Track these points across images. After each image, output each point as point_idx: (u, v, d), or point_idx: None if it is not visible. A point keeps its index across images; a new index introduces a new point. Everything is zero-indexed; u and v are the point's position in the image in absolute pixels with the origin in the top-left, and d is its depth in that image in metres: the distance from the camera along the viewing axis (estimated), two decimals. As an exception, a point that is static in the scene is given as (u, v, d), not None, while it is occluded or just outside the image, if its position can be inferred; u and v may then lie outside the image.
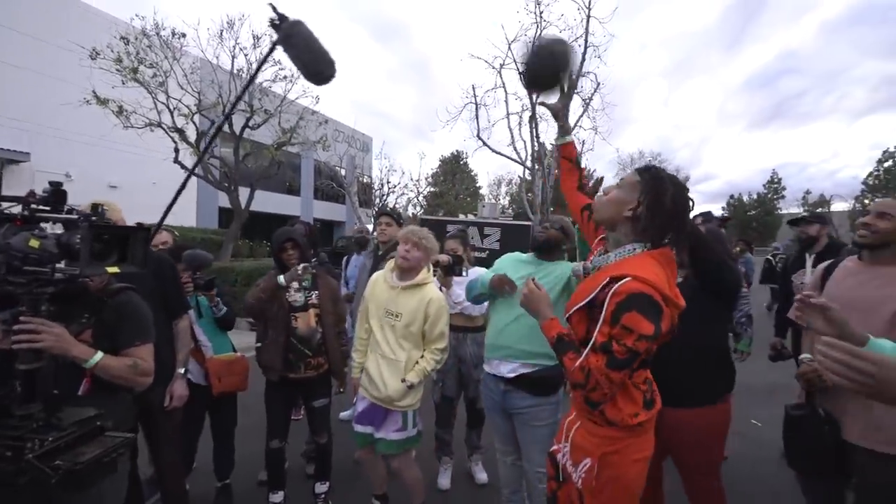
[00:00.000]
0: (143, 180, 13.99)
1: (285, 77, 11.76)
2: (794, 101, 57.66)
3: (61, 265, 1.28)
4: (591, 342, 1.32)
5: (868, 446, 1.64)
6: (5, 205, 1.36)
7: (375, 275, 2.50)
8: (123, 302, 1.61)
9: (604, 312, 1.30)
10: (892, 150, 35.75)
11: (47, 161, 11.88)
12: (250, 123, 11.46)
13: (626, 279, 1.28)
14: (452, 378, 2.98)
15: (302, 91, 12.30)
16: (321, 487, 2.72)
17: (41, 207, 1.35)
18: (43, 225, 1.35)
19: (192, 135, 11.11)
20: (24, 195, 1.36)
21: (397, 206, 20.76)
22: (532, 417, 2.11)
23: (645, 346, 1.26)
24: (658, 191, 1.36)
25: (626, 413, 1.38)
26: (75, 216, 1.30)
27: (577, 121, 11.46)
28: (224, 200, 12.75)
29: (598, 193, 1.55)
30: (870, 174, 36.87)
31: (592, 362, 1.30)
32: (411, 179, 20.68)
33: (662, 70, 63.01)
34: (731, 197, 42.98)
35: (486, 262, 2.43)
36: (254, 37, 11.38)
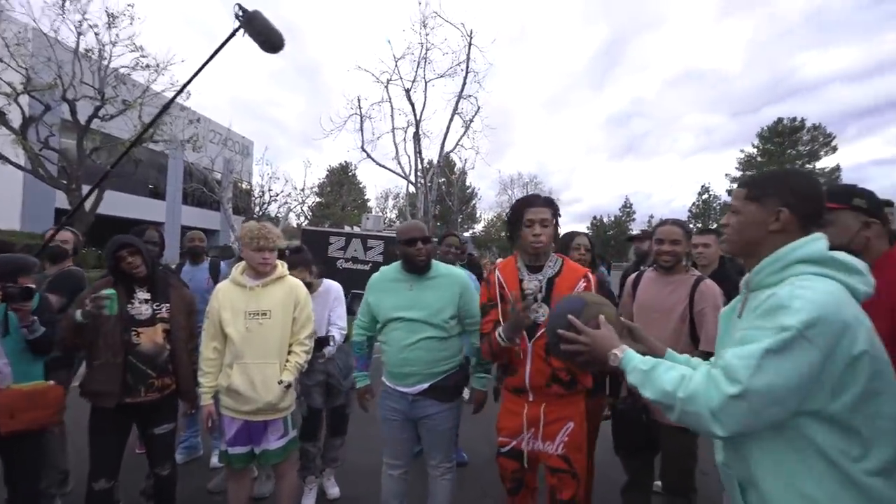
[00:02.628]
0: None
1: (148, 66, 10.54)
2: (642, 139, 68.24)
3: None
4: None
5: (665, 422, 2.09)
6: None
7: (220, 286, 2.36)
8: None
9: None
10: (707, 185, 44.19)
11: None
12: (101, 113, 10.01)
13: (590, 274, 1.94)
14: (319, 390, 2.93)
15: (169, 83, 11.13)
16: (164, 527, 2.41)
17: None
18: None
19: (15, 119, 9.31)
20: None
21: (279, 215, 19.64)
22: (440, 421, 2.22)
23: None
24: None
25: (588, 378, 1.92)
26: None
27: (459, 140, 12.10)
28: (63, 201, 10.86)
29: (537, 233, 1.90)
30: (693, 203, 44.99)
31: None
32: (295, 188, 19.73)
33: (541, 101, 69.60)
34: (594, 218, 49.02)
35: (370, 275, 2.43)
36: (109, 15, 10.01)
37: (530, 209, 1.91)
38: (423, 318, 2.18)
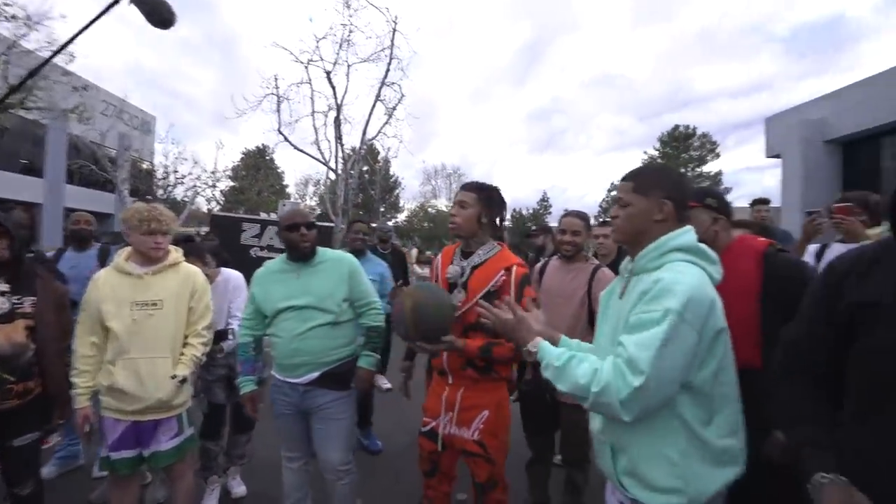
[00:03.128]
0: None
1: (15, 17, 8.99)
2: (560, 136, 72.04)
3: None
4: None
5: (565, 401, 2.27)
6: None
7: (98, 274, 2.13)
8: None
9: (511, 294, 1.77)
10: (615, 182, 47.99)
11: None
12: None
13: (516, 267, 1.85)
14: (221, 385, 2.76)
15: (45, 41, 9.61)
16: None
17: None
18: None
19: None
20: None
21: (185, 199, 18.00)
22: (334, 412, 2.15)
23: None
24: None
25: (510, 368, 1.95)
26: None
27: (382, 128, 11.89)
28: None
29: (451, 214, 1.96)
30: (603, 199, 48.53)
31: None
32: (205, 171, 18.12)
33: (466, 93, 70.42)
34: (514, 210, 51.05)
35: None
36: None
37: (458, 192, 1.97)
38: (313, 303, 2.11)
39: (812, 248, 2.50)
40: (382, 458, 3.47)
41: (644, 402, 1.04)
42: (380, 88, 11.15)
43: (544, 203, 43.12)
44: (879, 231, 2.39)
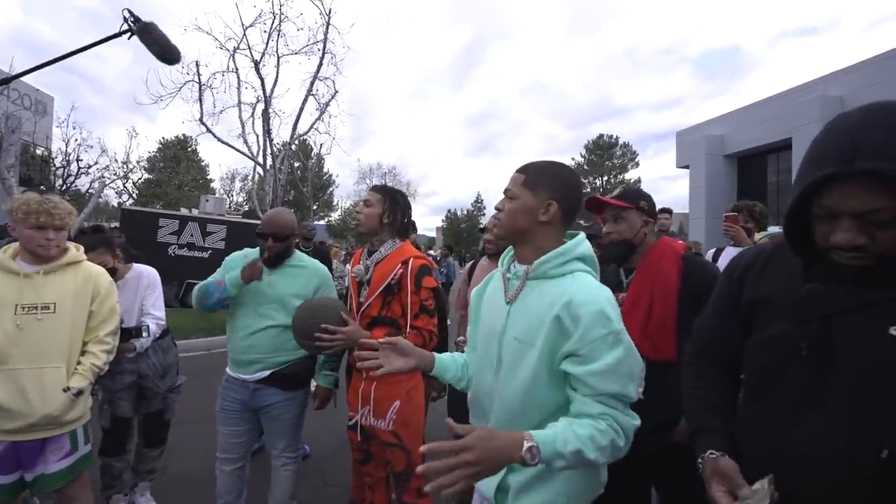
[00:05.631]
0: None
1: None
2: (496, 139, 73.78)
3: None
4: (410, 311, 1.92)
5: None
6: None
7: None
8: None
9: (408, 285, 1.90)
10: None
11: None
12: None
13: (414, 259, 1.94)
14: (127, 395, 2.55)
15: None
16: None
17: None
18: None
19: None
20: None
21: (91, 191, 16.21)
22: (282, 411, 2.20)
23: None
24: None
25: None
26: None
27: (314, 123, 11.48)
28: None
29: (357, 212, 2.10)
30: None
31: (423, 323, 1.90)
32: (115, 161, 16.42)
33: (403, 93, 69.97)
34: (449, 211, 51.66)
35: (209, 263, 2.23)
36: None
37: (368, 192, 2.09)
38: (274, 301, 2.16)
39: (710, 251, 2.79)
40: (311, 461, 3.38)
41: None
42: (312, 83, 10.77)
43: (478, 204, 44.10)
44: (760, 237, 2.73)
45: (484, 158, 74.60)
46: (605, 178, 38.32)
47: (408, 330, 1.91)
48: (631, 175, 38.33)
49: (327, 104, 11.39)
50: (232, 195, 31.10)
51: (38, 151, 17.80)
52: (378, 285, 1.95)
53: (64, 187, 15.10)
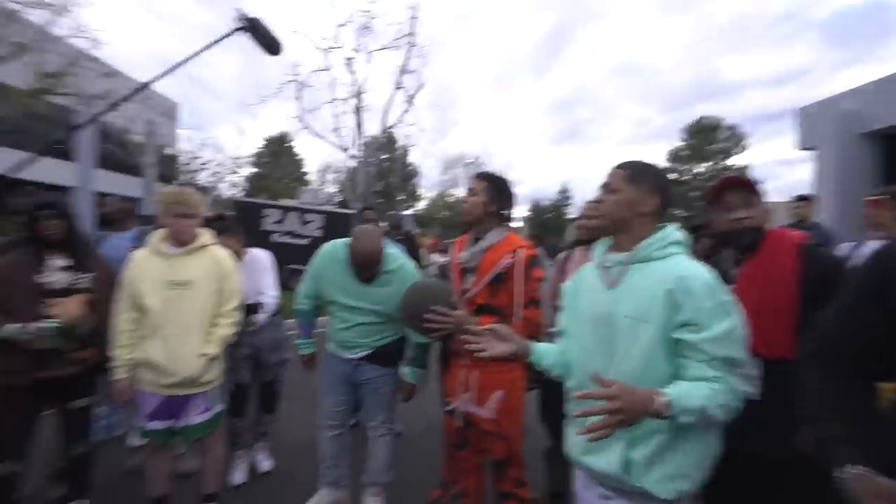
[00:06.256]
0: None
1: (46, 3, 9.15)
2: (582, 125, 70.55)
3: None
4: (520, 301, 1.90)
5: None
6: None
7: (137, 254, 2.22)
8: None
9: (518, 275, 1.89)
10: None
11: None
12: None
13: (522, 250, 1.92)
14: (247, 366, 2.86)
15: (76, 28, 9.82)
16: (78, 509, 2.25)
17: None
18: None
19: None
20: None
21: (208, 184, 18.33)
22: (380, 385, 2.40)
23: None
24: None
25: None
26: None
27: (401, 116, 11.84)
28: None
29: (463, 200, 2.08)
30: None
31: (532, 314, 1.90)
32: (228, 157, 18.39)
33: (487, 81, 69.33)
34: (534, 201, 50.64)
35: (308, 250, 2.47)
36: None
37: (470, 180, 2.09)
38: (366, 307, 2.31)
39: (847, 245, 2.47)
40: (403, 440, 3.53)
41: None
42: (399, 76, 11.12)
43: (564, 194, 42.52)
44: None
45: (569, 147, 71.79)
46: (708, 164, 34.81)
47: (516, 320, 1.90)
48: (738, 160, 34.44)
49: (413, 96, 11.68)
50: (325, 186, 33.24)
51: (168, 151, 20.40)
52: (486, 273, 1.95)
53: (186, 181, 17.17)
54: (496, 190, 2.02)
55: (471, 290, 1.98)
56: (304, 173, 35.05)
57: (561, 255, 2.59)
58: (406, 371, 2.38)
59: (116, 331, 2.13)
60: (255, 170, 30.82)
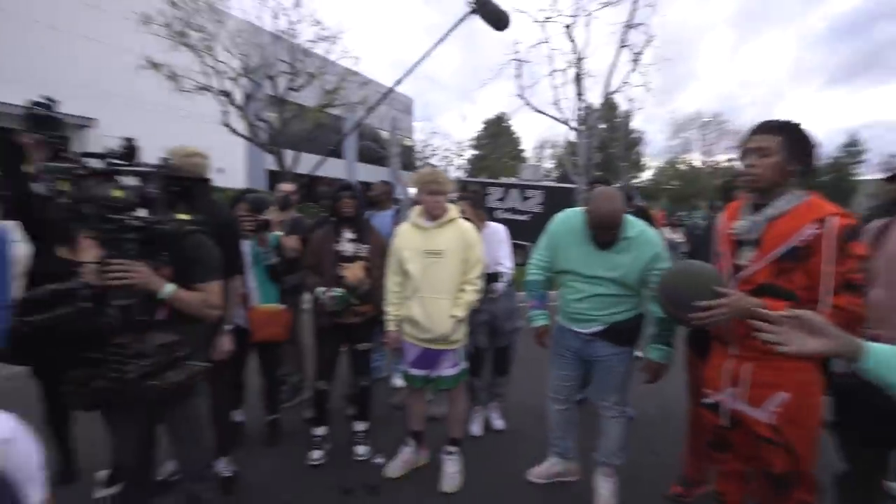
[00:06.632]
0: (195, 142, 14.54)
1: (326, 38, 11.72)
2: (891, 50, 50.66)
3: (141, 213, 1.45)
4: (826, 285, 1.46)
5: None
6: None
7: (401, 227, 2.61)
8: (195, 244, 1.75)
9: (826, 251, 1.45)
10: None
11: (111, 126, 12.59)
12: (294, 85, 11.61)
13: (835, 218, 1.46)
14: (484, 331, 3.10)
15: (343, 52, 12.27)
16: (360, 426, 2.92)
17: (119, 162, 1.50)
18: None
19: (238, 97, 11.41)
20: (104, 151, 1.52)
21: (439, 168, 20.63)
22: (614, 364, 2.29)
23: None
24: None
25: None
26: (149, 168, 1.45)
27: (626, 77, 10.82)
28: (271, 163, 13.13)
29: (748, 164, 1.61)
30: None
31: (845, 301, 1.44)
32: (453, 142, 20.41)
33: (730, 20, 57.11)
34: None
35: (529, 226, 2.52)
36: (294, -5, 11.35)
37: (749, 137, 1.62)
38: (603, 275, 2.18)
39: None
40: (635, 426, 3.34)
41: None
42: (624, 33, 10.15)
43: (852, 148, 32.21)
44: None
45: (861, 83, 53.35)
46: None
47: (821, 308, 1.46)
48: None
49: (640, 53, 10.53)
50: (542, 162, 33.39)
51: (406, 142, 23.80)
52: (773, 247, 1.55)
53: (421, 166, 19.67)
54: (795, 143, 1.56)
55: (749, 266, 1.60)
56: (522, 151, 35.97)
57: (876, 224, 1.94)
58: (649, 349, 2.21)
59: (387, 291, 2.60)
60: (476, 152, 33.14)
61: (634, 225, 2.20)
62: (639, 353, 2.41)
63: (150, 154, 1.60)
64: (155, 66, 10.25)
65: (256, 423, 3.05)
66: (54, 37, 12.33)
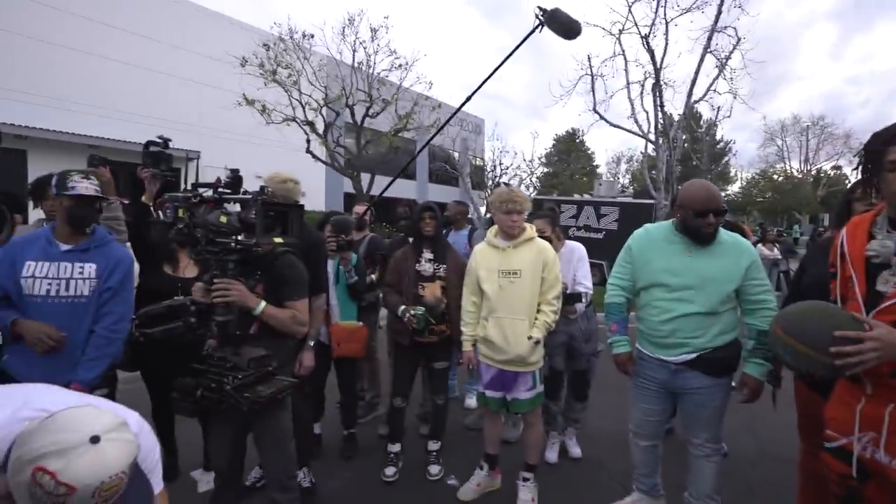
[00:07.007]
0: (281, 168, 15.79)
1: (401, 66, 12.32)
2: None
3: (241, 236, 1.59)
4: None
5: None
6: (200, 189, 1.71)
7: (477, 247, 2.61)
8: (287, 264, 1.89)
9: None
10: None
11: (212, 157, 14.10)
12: (370, 112, 12.27)
13: None
14: (561, 353, 2.99)
15: (416, 78, 12.83)
16: (433, 445, 2.91)
17: (226, 191, 1.67)
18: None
19: (320, 126, 12.26)
20: (214, 182, 1.70)
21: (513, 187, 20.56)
22: (707, 398, 2.06)
23: None
24: None
25: None
26: (250, 196, 1.59)
27: (712, 84, 10.14)
28: (349, 186, 13.90)
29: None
30: None
31: None
32: (524, 160, 20.29)
33: (830, 13, 51.65)
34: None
35: (603, 244, 2.42)
36: (371, 30, 12.09)
37: (893, 148, 1.34)
38: (695, 285, 2.00)
39: None
40: (730, 463, 3.01)
41: None
42: (709, 38, 9.54)
43: None
44: None
45: None
46: None
47: None
48: None
49: (727, 57, 9.84)
50: (618, 177, 32.15)
51: (477, 161, 24.05)
52: None
53: (494, 185, 19.72)
54: None
55: (892, 296, 1.33)
56: (596, 166, 34.97)
57: None
58: (747, 364, 2.02)
59: (463, 310, 2.60)
60: (547, 169, 32.69)
61: (727, 234, 2.06)
62: (733, 383, 2.19)
63: (244, 182, 1.76)
64: (249, 102, 11.35)
65: (333, 437, 3.16)
66: (166, 82, 14.15)
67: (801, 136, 28.29)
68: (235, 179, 1.68)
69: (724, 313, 2.03)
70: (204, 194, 1.64)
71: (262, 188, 1.67)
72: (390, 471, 2.79)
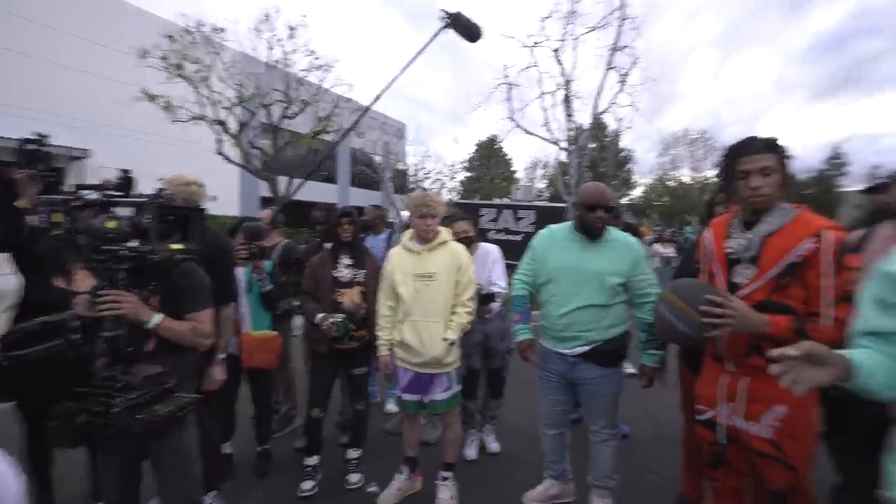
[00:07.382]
0: (189, 170, 14.60)
1: (320, 66, 11.98)
2: (869, 65, 52.54)
3: (133, 243, 1.46)
4: (826, 297, 1.49)
5: None
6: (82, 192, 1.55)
7: (393, 250, 2.64)
8: (186, 272, 1.76)
9: (823, 265, 1.49)
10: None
11: (105, 156, 12.67)
12: (288, 113, 11.79)
13: (830, 231, 1.51)
14: (478, 352, 3.09)
15: (336, 79, 12.53)
16: (353, 454, 2.86)
17: (114, 193, 1.53)
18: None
19: (233, 126, 11.54)
20: (100, 183, 1.55)
21: (431, 191, 20.82)
22: (600, 387, 2.27)
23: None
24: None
25: None
26: (144, 199, 1.47)
27: (614, 98, 11.10)
28: (265, 189, 13.21)
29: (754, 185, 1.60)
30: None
31: (844, 313, 1.41)
32: (445, 165, 20.66)
33: (713, 40, 58.63)
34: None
35: (522, 245, 2.55)
36: (288, 28, 11.63)
37: (742, 158, 1.60)
38: (586, 279, 2.20)
39: None
40: (630, 444, 3.32)
41: None
42: (610, 55, 10.45)
43: (836, 161, 32.80)
44: None
45: (843, 98, 54.94)
46: None
47: (824, 322, 1.49)
48: None
49: (627, 74, 10.82)
50: (534, 182, 33.73)
51: (399, 166, 24.03)
52: (772, 264, 1.56)
53: (414, 189, 19.84)
54: (786, 160, 1.61)
55: (748, 284, 1.60)
56: (514, 172, 36.38)
57: (854, 235, 1.99)
58: (643, 356, 2.27)
59: (378, 315, 2.59)
60: (468, 174, 33.48)
61: (617, 232, 2.31)
62: (632, 370, 2.43)
63: (145, 183, 1.63)
64: (151, 97, 10.39)
65: (245, 454, 2.98)
66: (50, 70, 12.52)
67: (688, 147, 31.60)
68: (125, 181, 1.54)
69: (613, 306, 2.25)
70: (87, 197, 1.49)
71: (158, 190, 1.56)
72: (307, 485, 2.69)
